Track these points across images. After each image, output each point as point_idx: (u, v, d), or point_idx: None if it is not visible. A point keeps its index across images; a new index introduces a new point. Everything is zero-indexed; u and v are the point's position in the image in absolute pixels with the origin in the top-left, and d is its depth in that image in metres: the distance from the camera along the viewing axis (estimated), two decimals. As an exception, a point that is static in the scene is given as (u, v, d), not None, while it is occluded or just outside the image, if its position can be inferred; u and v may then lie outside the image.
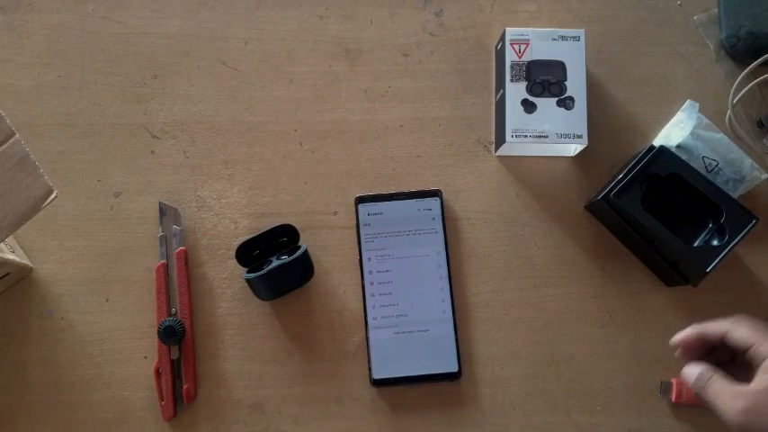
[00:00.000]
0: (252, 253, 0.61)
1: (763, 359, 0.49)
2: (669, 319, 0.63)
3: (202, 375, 0.61)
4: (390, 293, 0.62)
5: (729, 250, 0.58)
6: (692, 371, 0.52)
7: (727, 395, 0.49)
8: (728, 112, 0.65)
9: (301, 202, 0.64)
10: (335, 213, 0.64)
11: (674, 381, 0.61)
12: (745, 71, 0.65)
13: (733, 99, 0.65)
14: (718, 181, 0.62)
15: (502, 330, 0.62)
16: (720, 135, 0.63)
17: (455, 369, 0.61)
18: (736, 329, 0.51)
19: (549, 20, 0.68)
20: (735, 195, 0.62)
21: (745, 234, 0.59)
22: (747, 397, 0.48)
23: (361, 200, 0.63)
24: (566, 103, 0.61)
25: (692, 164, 0.60)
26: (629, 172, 0.60)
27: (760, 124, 0.66)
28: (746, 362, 0.50)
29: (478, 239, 0.64)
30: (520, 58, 0.62)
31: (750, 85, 0.65)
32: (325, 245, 0.63)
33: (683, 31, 0.68)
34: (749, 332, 0.51)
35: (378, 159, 0.65)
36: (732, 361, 0.52)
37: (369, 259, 0.63)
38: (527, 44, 0.63)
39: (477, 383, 0.61)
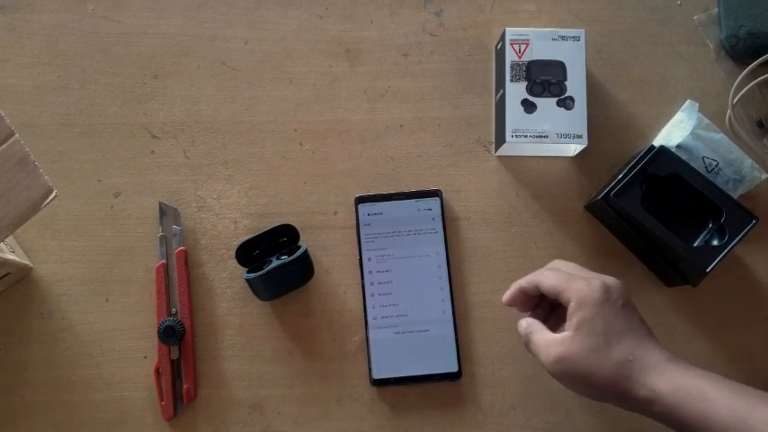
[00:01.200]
0: (252, 253, 0.61)
1: (568, 301, 0.51)
2: (669, 319, 0.63)
3: (202, 375, 0.61)
4: (390, 293, 0.62)
5: (729, 250, 0.58)
6: (520, 325, 0.54)
7: (543, 346, 0.51)
8: (728, 112, 0.65)
9: (301, 202, 0.64)
10: (335, 213, 0.64)
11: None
12: (745, 71, 0.65)
13: (733, 99, 0.65)
14: (718, 181, 0.62)
15: (502, 330, 0.62)
16: (720, 135, 0.63)
17: (455, 369, 0.61)
18: (544, 280, 0.53)
19: (549, 20, 0.68)
20: (735, 195, 0.62)
21: (745, 234, 0.59)
22: (558, 345, 0.50)
23: (361, 200, 0.63)
24: (566, 103, 0.61)
25: (692, 164, 0.60)
26: (629, 172, 0.60)
27: (760, 124, 0.66)
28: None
29: (478, 239, 0.64)
30: (520, 58, 0.62)
31: (750, 85, 0.65)
32: (325, 245, 0.63)
33: (683, 31, 0.68)
34: (554, 281, 0.52)
35: (378, 159, 0.65)
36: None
37: (369, 259, 0.63)
38: (527, 44, 0.63)
39: (477, 383, 0.61)
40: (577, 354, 0.49)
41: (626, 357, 0.48)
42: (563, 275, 0.53)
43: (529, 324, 0.53)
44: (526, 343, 0.53)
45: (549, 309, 0.56)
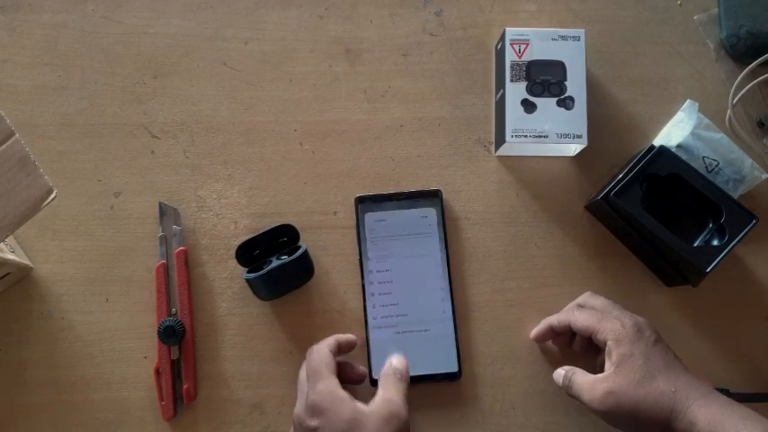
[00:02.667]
0: (252, 253, 0.61)
1: (604, 342, 0.54)
2: (669, 319, 0.63)
3: (202, 375, 0.61)
4: (390, 293, 0.62)
5: (729, 250, 0.58)
6: (558, 373, 0.58)
7: (587, 387, 0.53)
8: (728, 111, 0.65)
9: (301, 202, 0.64)
10: (335, 213, 0.64)
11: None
12: (745, 71, 0.65)
13: (733, 99, 0.65)
14: (719, 181, 0.62)
15: (502, 330, 0.62)
16: (720, 135, 0.63)
17: (455, 369, 0.61)
18: (576, 320, 0.56)
19: (549, 20, 0.68)
20: (735, 195, 0.62)
21: (745, 234, 0.59)
22: (603, 382, 0.52)
23: (361, 200, 0.63)
24: (566, 102, 0.61)
25: (692, 164, 0.60)
26: (629, 172, 0.60)
27: (760, 124, 0.66)
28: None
29: (478, 239, 0.64)
30: (520, 57, 0.62)
31: (750, 84, 0.65)
32: (325, 245, 0.63)
33: (683, 31, 0.68)
34: (587, 321, 0.55)
35: (378, 159, 0.65)
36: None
37: (369, 259, 0.63)
38: (527, 44, 0.62)
39: (477, 383, 0.61)
40: (623, 388, 0.51)
41: (669, 389, 0.50)
42: (595, 315, 0.55)
43: (568, 369, 0.56)
44: (567, 387, 0.56)
45: (588, 342, 0.58)
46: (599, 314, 0.56)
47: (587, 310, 0.57)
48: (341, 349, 0.57)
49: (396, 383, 0.53)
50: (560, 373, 0.57)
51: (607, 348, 0.53)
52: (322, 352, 0.54)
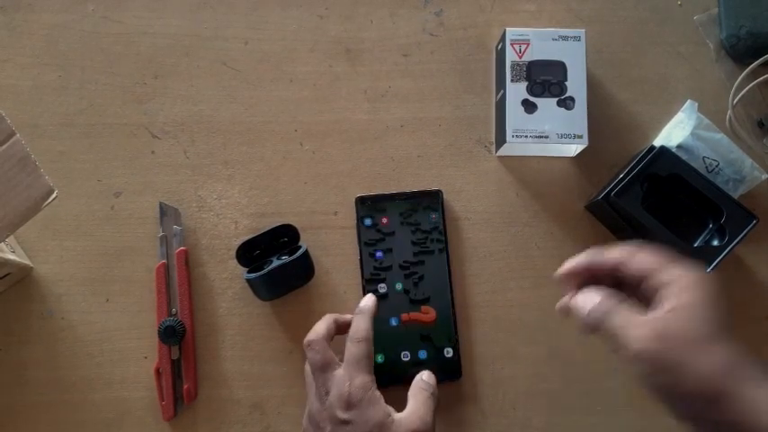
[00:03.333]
0: (252, 253, 0.61)
1: (667, 284, 0.43)
2: (669, 319, 0.63)
3: (202, 375, 0.61)
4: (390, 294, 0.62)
5: (730, 250, 0.58)
6: (589, 298, 0.46)
7: (635, 321, 0.43)
8: (729, 112, 0.65)
9: (301, 202, 0.64)
10: (335, 213, 0.64)
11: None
12: (746, 71, 0.65)
13: (733, 99, 0.65)
14: (719, 181, 0.62)
15: (502, 330, 0.62)
16: (721, 135, 0.63)
17: (455, 369, 0.61)
18: (635, 256, 0.45)
19: (549, 20, 0.68)
20: (735, 195, 0.62)
21: (746, 234, 0.59)
22: (656, 322, 0.42)
23: (361, 200, 0.63)
24: (566, 103, 0.61)
25: (692, 164, 0.60)
26: (629, 172, 0.60)
27: (760, 124, 0.66)
28: (641, 295, 0.45)
29: (479, 239, 0.64)
30: (520, 58, 0.62)
31: (750, 85, 0.65)
32: (326, 245, 0.63)
33: (683, 31, 0.68)
34: (650, 259, 0.45)
35: (378, 159, 0.65)
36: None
37: (369, 259, 0.62)
38: (527, 44, 0.63)
39: (477, 383, 0.61)
40: (678, 336, 0.41)
41: (729, 358, 0.41)
42: (658, 257, 0.45)
43: (608, 297, 0.45)
44: (600, 320, 0.44)
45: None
46: (662, 259, 0.45)
47: (648, 252, 0.46)
48: (340, 332, 0.57)
49: (428, 400, 0.53)
50: (591, 300, 0.45)
51: (668, 290, 0.43)
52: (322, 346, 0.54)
